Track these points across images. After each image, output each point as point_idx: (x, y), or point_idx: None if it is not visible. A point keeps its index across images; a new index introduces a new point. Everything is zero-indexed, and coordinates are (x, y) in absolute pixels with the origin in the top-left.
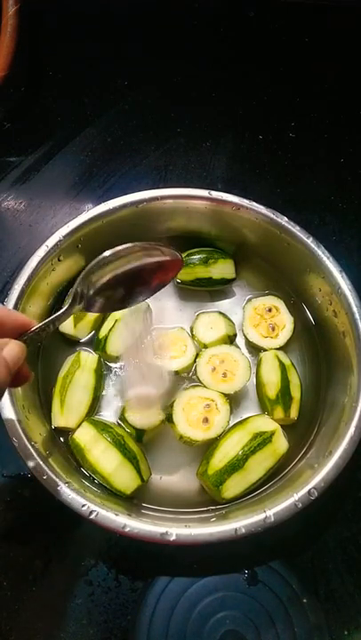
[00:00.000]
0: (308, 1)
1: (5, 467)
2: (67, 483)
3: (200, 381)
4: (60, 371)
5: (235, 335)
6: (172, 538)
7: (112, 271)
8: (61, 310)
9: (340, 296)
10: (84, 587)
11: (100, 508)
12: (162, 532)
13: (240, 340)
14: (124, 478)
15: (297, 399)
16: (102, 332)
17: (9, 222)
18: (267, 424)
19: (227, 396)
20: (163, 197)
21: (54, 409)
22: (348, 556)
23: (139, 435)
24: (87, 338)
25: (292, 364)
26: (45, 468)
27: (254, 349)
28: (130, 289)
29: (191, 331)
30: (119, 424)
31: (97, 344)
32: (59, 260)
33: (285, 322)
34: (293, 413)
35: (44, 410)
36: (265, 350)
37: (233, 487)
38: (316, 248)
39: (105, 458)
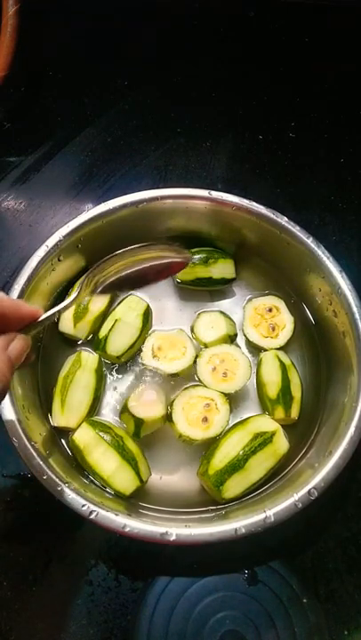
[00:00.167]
0: (308, 1)
1: (5, 467)
2: (67, 483)
3: (200, 381)
4: (61, 370)
5: (235, 335)
6: (172, 538)
7: (124, 267)
8: (70, 299)
9: (340, 296)
10: (84, 587)
11: (100, 508)
12: (162, 532)
13: (240, 340)
14: (124, 479)
15: (298, 399)
16: (102, 332)
17: (9, 222)
18: (267, 424)
19: (227, 395)
20: (163, 197)
21: (55, 408)
22: (348, 556)
23: (137, 429)
24: (87, 338)
25: (293, 363)
26: (45, 467)
27: (255, 349)
28: (137, 280)
29: (192, 330)
30: (118, 422)
31: (97, 344)
32: (59, 260)
33: (286, 322)
34: (294, 413)
35: (44, 410)
36: (265, 350)
37: (233, 487)
38: (316, 248)
39: (104, 460)
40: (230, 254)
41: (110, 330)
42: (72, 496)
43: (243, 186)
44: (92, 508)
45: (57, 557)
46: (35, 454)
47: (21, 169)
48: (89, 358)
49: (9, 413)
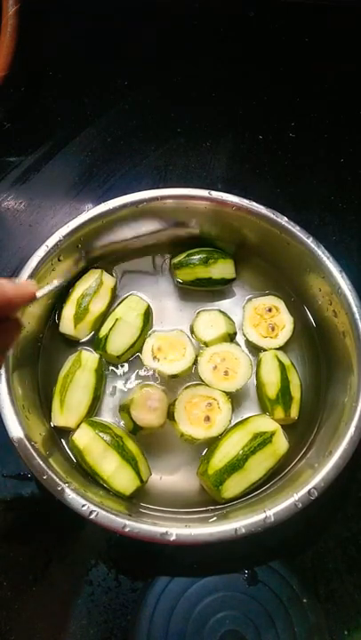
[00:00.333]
0: (308, 1)
1: (5, 467)
2: (67, 483)
3: (202, 380)
4: (61, 370)
5: (235, 333)
6: (172, 538)
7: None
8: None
9: (340, 296)
10: (84, 587)
11: (100, 508)
12: (162, 532)
13: (240, 340)
14: (124, 480)
15: (297, 399)
16: (102, 332)
17: (9, 222)
18: (267, 424)
19: (228, 394)
20: (163, 197)
21: (54, 408)
22: (348, 556)
23: (134, 429)
24: (87, 338)
25: (292, 363)
26: (45, 467)
27: (254, 349)
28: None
29: (191, 329)
30: (118, 421)
31: (97, 343)
32: (59, 260)
33: (285, 322)
34: (294, 413)
35: (44, 410)
36: (265, 350)
37: (233, 487)
38: (316, 248)
39: (104, 460)
40: (230, 254)
41: (111, 329)
42: (72, 496)
43: (243, 186)
44: (92, 507)
45: (57, 557)
46: (35, 454)
47: (21, 169)
48: (89, 358)
49: (9, 413)
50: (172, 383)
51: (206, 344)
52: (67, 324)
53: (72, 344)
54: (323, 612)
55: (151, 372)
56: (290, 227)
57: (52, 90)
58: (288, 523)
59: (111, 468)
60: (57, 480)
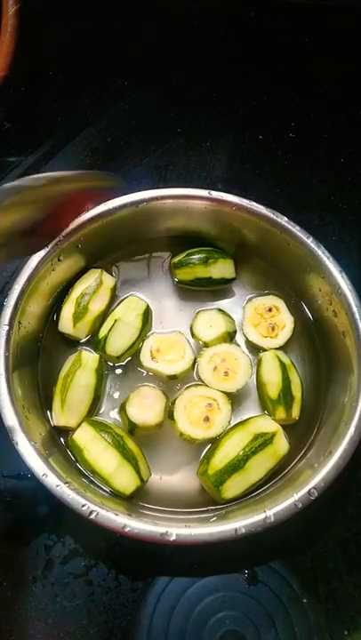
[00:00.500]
0: (308, 1)
1: (5, 467)
2: (67, 482)
3: (202, 381)
4: (62, 370)
5: (235, 332)
6: (172, 538)
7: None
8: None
9: (341, 296)
10: (84, 587)
11: (100, 507)
12: (162, 532)
13: (240, 340)
14: (124, 479)
15: (298, 399)
16: (102, 332)
17: None
18: (268, 425)
19: (228, 395)
20: (163, 197)
21: (55, 408)
22: (348, 556)
23: (131, 429)
24: (87, 338)
25: (293, 363)
26: (45, 467)
27: (254, 349)
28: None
29: (191, 329)
30: (118, 421)
31: (96, 344)
32: (59, 260)
33: (285, 322)
34: (295, 413)
35: (44, 410)
36: (265, 350)
37: (233, 487)
38: (316, 248)
39: (104, 459)
40: (230, 254)
41: (110, 330)
42: (72, 496)
43: (243, 186)
44: (92, 507)
45: (57, 557)
46: (35, 454)
47: (21, 169)
48: (89, 358)
49: (9, 413)
50: (171, 384)
51: (207, 344)
52: (66, 323)
53: (72, 344)
54: (323, 612)
55: (150, 373)
56: (290, 227)
57: (52, 90)
58: (288, 523)
59: (112, 467)
60: (57, 480)
